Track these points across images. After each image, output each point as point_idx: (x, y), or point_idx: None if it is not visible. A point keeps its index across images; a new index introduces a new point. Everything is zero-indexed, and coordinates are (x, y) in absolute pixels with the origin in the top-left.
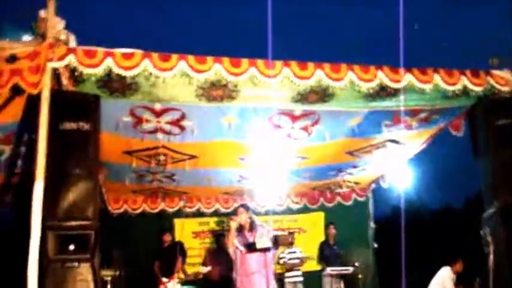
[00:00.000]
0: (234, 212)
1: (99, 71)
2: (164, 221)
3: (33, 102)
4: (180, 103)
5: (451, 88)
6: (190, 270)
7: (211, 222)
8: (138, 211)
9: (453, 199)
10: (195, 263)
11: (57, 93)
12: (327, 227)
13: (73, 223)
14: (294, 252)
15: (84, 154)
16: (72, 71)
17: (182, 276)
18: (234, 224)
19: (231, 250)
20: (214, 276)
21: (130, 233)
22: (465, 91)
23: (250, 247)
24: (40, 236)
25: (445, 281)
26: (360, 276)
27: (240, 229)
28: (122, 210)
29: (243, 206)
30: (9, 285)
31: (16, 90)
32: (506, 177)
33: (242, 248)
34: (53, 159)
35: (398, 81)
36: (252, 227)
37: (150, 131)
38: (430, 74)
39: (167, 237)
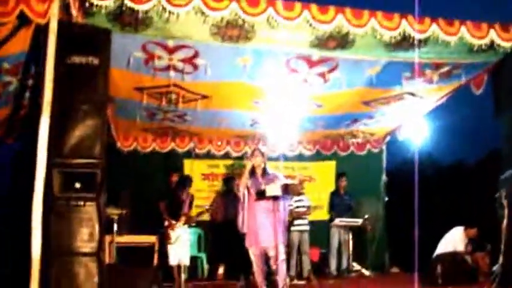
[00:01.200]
0: (251, 154)
1: (110, 3)
2: (174, 161)
3: (41, 33)
4: (194, 41)
5: (477, 42)
6: (195, 211)
7: (221, 165)
8: (148, 149)
9: (466, 156)
10: (203, 205)
11: (66, 25)
12: (338, 178)
13: (79, 161)
14: (301, 200)
15: (92, 90)
16: (82, 1)
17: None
18: (249, 164)
19: (240, 192)
20: (220, 219)
21: (140, 171)
22: (492, 46)
23: (260, 194)
24: (46, 173)
25: (456, 241)
26: (368, 228)
27: (253, 172)
28: (131, 148)
29: (259, 149)
30: (14, 222)
31: (23, 20)
32: None
33: (252, 191)
34: (60, 94)
35: (422, 31)
36: (265, 172)
37: (162, 68)
38: (456, 26)
39: (175, 178)
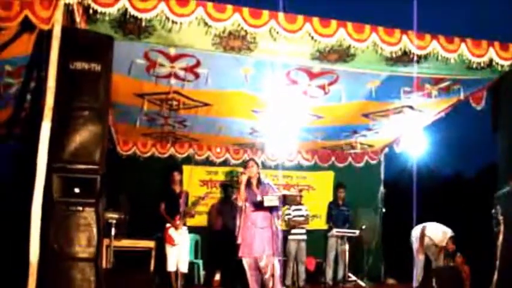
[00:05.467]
0: (245, 165)
1: (114, 10)
2: (172, 166)
3: (44, 37)
4: (195, 50)
5: (477, 60)
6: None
7: (220, 172)
8: (147, 154)
9: (465, 169)
10: (201, 212)
11: (70, 31)
12: (336, 189)
13: (79, 166)
14: (300, 209)
15: (94, 96)
16: (85, 8)
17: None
18: (245, 178)
19: (239, 204)
20: (218, 226)
21: (139, 175)
22: (491, 64)
23: (258, 205)
24: (45, 178)
25: (436, 236)
26: (365, 239)
27: (248, 184)
28: (131, 152)
29: (253, 159)
30: (13, 224)
31: (27, 25)
32: None
33: (248, 204)
34: (61, 99)
35: (422, 47)
36: (260, 182)
37: (164, 75)
38: (456, 43)
39: (178, 177)
